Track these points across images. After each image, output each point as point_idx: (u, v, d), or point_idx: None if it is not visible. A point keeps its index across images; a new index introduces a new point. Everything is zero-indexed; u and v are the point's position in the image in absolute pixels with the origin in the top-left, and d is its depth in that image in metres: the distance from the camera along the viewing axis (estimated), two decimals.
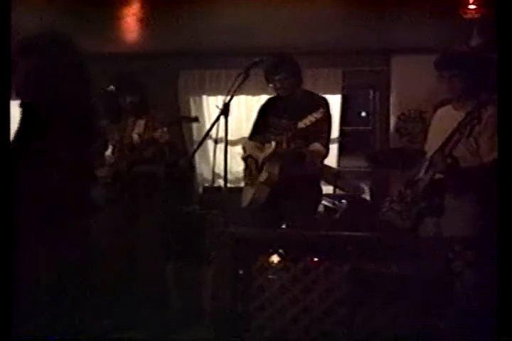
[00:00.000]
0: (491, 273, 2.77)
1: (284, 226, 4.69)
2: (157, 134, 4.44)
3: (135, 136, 4.65)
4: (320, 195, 4.96)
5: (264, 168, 4.55)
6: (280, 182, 4.49)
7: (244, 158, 4.82)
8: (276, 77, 4.57)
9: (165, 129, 4.44)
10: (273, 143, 4.49)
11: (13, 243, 2.32)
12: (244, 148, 4.93)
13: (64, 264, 2.69)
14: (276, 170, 4.48)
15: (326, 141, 4.56)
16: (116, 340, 3.76)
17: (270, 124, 4.69)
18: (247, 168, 4.80)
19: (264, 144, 4.67)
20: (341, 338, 3.17)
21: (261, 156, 4.62)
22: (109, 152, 4.73)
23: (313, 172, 4.62)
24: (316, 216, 5.08)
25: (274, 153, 4.47)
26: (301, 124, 4.26)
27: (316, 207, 5.05)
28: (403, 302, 3.11)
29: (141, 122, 4.69)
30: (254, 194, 4.59)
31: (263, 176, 4.54)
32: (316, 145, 4.48)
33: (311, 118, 4.23)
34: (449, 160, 3.62)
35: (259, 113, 4.89)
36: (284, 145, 4.35)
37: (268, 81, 4.67)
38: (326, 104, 4.61)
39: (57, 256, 2.66)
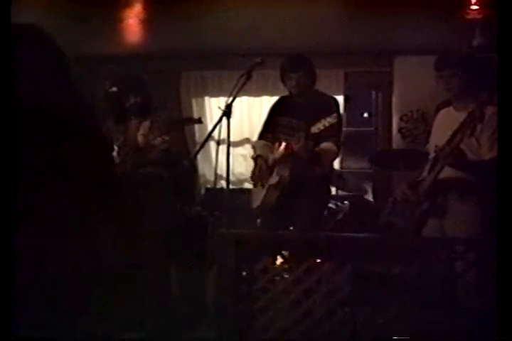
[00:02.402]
0: (491, 273, 2.76)
1: (291, 228, 4.68)
2: (157, 142, 4.44)
3: (140, 138, 4.65)
4: (329, 196, 4.95)
5: (275, 170, 4.52)
6: (291, 184, 4.47)
7: (254, 158, 4.78)
8: (294, 75, 4.53)
9: (166, 138, 4.43)
10: (283, 144, 4.47)
11: (15, 242, 2.32)
12: (254, 148, 4.91)
13: (66, 265, 2.68)
14: (287, 173, 4.46)
15: (338, 141, 4.51)
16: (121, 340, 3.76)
17: (280, 124, 4.67)
18: (256, 167, 4.76)
19: (274, 143, 4.66)
20: (344, 339, 3.17)
21: (271, 157, 4.60)
22: (114, 153, 4.73)
23: (324, 172, 4.61)
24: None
25: (285, 155, 4.44)
26: (314, 129, 4.19)
27: (324, 209, 5.04)
28: (405, 302, 3.11)
29: (146, 123, 4.69)
30: (264, 197, 4.57)
31: (274, 179, 4.50)
32: (329, 145, 4.44)
33: (324, 123, 4.16)
34: (456, 152, 3.62)
35: (270, 112, 4.86)
36: (295, 147, 4.31)
37: (283, 79, 4.64)
38: (336, 105, 4.61)
39: (60, 257, 2.66)
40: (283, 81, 4.65)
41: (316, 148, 4.38)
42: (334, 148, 4.47)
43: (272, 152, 4.63)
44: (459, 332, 3.02)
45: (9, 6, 2.41)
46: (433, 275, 3.14)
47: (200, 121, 5.01)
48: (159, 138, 4.42)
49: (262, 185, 4.64)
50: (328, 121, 4.16)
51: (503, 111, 2.83)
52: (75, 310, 2.89)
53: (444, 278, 3.13)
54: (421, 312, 3.09)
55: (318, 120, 4.19)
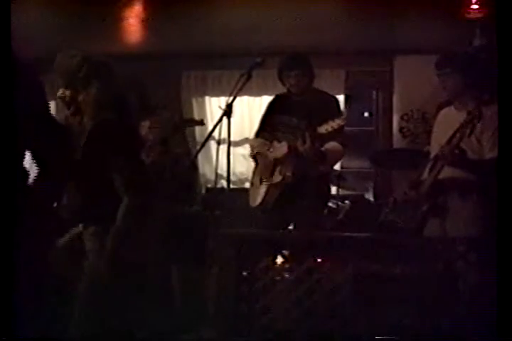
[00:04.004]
0: (491, 273, 2.77)
1: (291, 227, 4.67)
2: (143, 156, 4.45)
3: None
4: (328, 194, 4.94)
5: (277, 169, 4.50)
6: (293, 184, 4.46)
7: (253, 156, 4.76)
8: (292, 73, 4.52)
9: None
10: (284, 144, 4.45)
11: (14, 241, 2.32)
12: (251, 146, 4.89)
13: (66, 265, 2.69)
14: (290, 173, 4.44)
15: (343, 141, 4.47)
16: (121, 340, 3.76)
17: (279, 122, 4.64)
18: (257, 166, 4.75)
19: (271, 142, 4.65)
20: (345, 339, 3.17)
21: (271, 155, 4.58)
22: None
23: (327, 172, 4.61)
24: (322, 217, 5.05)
25: (288, 154, 4.42)
26: (321, 130, 4.17)
27: (324, 208, 5.03)
28: (406, 302, 3.11)
29: (146, 123, 4.69)
30: (265, 195, 4.56)
31: (277, 178, 4.48)
32: (335, 144, 4.41)
33: (333, 125, 4.13)
34: (457, 151, 3.62)
35: (267, 110, 4.83)
36: (301, 147, 4.28)
37: (281, 78, 4.62)
38: (337, 105, 4.61)
39: (60, 257, 2.67)
40: (281, 80, 4.65)
41: (323, 148, 4.37)
42: (340, 147, 4.45)
43: (269, 149, 4.62)
44: (459, 332, 3.02)
45: (9, 6, 2.41)
46: (434, 275, 3.14)
47: (202, 122, 4.99)
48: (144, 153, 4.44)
49: (261, 183, 4.63)
50: (336, 122, 4.13)
51: (503, 111, 2.83)
52: (75, 310, 2.90)
53: (444, 278, 3.13)
54: (421, 312, 3.09)
55: (325, 121, 4.16)
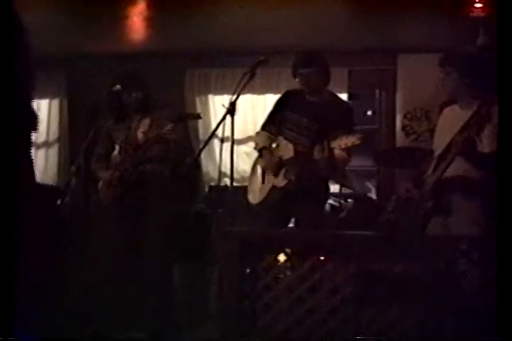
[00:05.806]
0: (493, 273, 2.77)
1: (291, 224, 4.68)
2: (163, 131, 4.43)
3: (140, 135, 4.65)
4: (328, 193, 4.95)
5: (282, 172, 4.50)
6: (296, 187, 4.46)
7: (259, 150, 4.74)
8: (306, 71, 4.50)
9: (170, 126, 4.42)
10: (290, 146, 4.44)
11: (14, 242, 2.32)
12: (256, 142, 4.87)
13: (66, 264, 2.69)
14: (294, 177, 4.44)
15: (349, 151, 4.44)
16: (122, 340, 3.77)
17: (289, 120, 4.64)
18: (260, 158, 4.76)
19: (277, 136, 4.65)
20: (347, 337, 3.17)
21: (276, 153, 4.58)
22: (115, 152, 4.73)
23: (330, 177, 4.62)
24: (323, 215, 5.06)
25: (296, 158, 4.41)
26: (334, 145, 4.19)
27: (325, 206, 5.03)
28: (408, 301, 3.11)
29: (146, 120, 4.69)
30: (267, 195, 4.56)
31: (281, 181, 4.48)
32: (341, 153, 4.39)
33: (347, 142, 4.13)
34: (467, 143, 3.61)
35: (277, 104, 4.81)
36: (317, 156, 4.26)
37: (295, 75, 4.59)
38: (351, 115, 4.62)
39: (60, 256, 2.67)
40: (295, 77, 4.61)
41: (332, 159, 4.36)
42: (346, 157, 4.45)
43: (271, 145, 4.62)
44: (459, 332, 3.03)
45: (9, 6, 2.40)
46: (436, 274, 3.14)
47: (199, 116, 4.99)
48: (166, 128, 4.41)
49: (263, 181, 4.63)
50: (351, 141, 4.11)
51: (503, 111, 2.83)
52: (76, 309, 2.90)
53: (446, 277, 3.13)
54: (422, 312, 3.10)
55: (339, 135, 4.15)
